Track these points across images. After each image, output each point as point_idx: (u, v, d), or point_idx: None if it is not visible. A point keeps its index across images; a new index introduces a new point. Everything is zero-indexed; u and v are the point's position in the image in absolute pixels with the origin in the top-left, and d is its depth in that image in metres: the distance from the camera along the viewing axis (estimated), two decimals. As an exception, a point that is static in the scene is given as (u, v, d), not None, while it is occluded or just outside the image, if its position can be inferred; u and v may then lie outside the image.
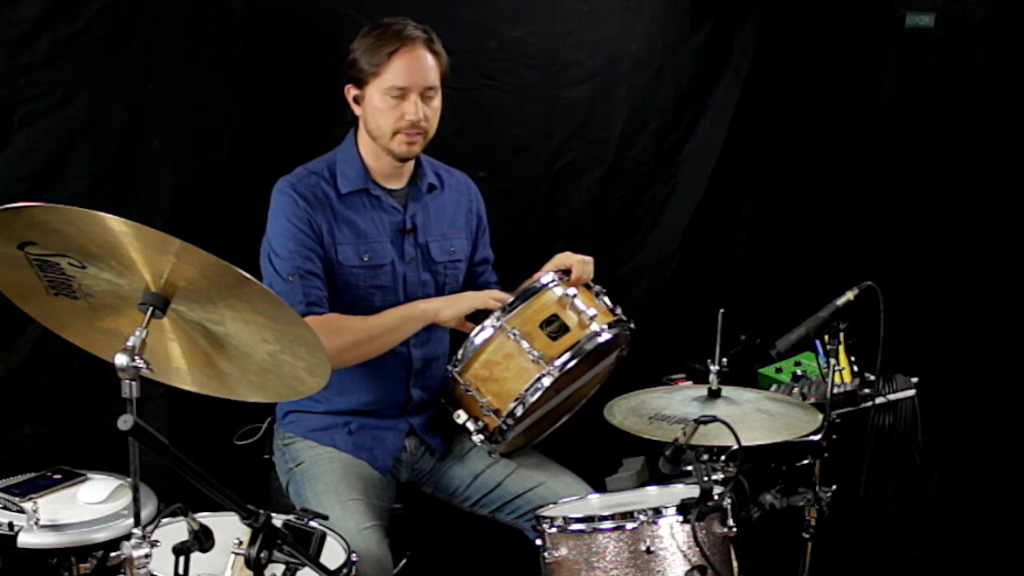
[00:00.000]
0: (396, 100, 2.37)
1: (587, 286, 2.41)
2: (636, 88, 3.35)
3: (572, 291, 2.32)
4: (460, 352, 2.29)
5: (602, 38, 3.26)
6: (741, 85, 3.50)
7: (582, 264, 2.39)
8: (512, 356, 2.25)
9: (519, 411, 2.23)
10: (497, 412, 2.26)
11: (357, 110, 2.45)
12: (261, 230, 2.46)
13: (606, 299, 2.40)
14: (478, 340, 2.27)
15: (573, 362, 2.23)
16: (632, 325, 2.40)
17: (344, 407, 2.49)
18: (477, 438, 2.32)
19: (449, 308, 2.38)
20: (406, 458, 2.56)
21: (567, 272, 2.37)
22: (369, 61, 2.37)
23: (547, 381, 2.21)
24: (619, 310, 2.39)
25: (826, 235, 3.77)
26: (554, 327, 2.26)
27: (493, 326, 2.26)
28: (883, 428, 3.03)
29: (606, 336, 2.28)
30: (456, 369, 2.29)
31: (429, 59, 2.39)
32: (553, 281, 2.33)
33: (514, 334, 2.24)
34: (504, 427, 2.26)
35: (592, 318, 2.29)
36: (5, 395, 2.48)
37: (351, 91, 2.44)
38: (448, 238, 2.58)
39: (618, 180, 3.38)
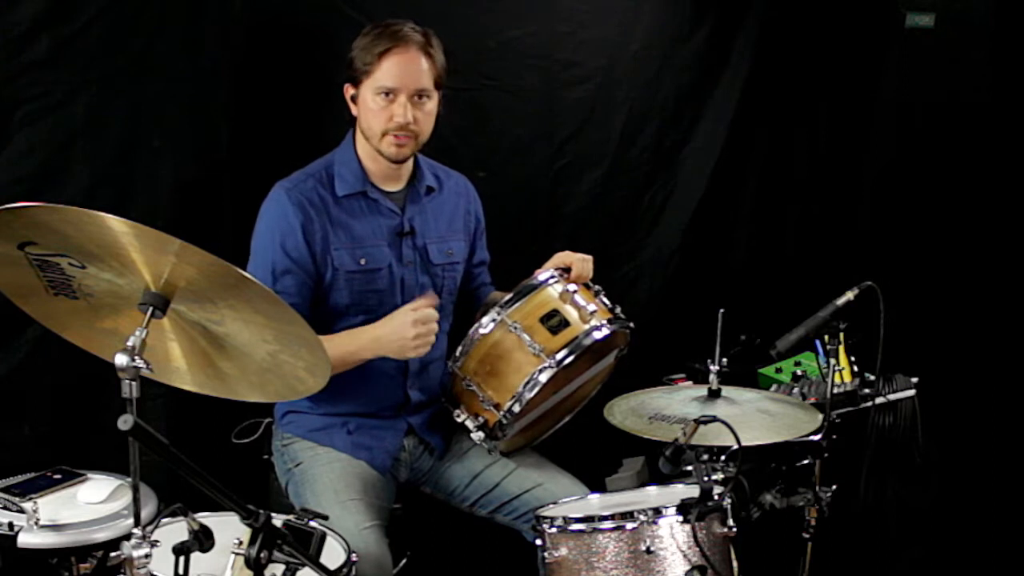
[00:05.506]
0: (386, 101, 2.36)
1: (586, 285, 2.41)
2: (636, 88, 3.35)
3: (572, 287, 2.33)
4: (460, 348, 2.30)
5: (602, 38, 3.26)
6: (741, 85, 3.50)
7: (582, 262, 2.40)
8: (513, 350, 2.26)
9: (518, 407, 2.23)
10: (497, 406, 2.26)
11: (354, 109, 2.44)
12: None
13: (604, 298, 2.40)
14: (477, 336, 2.28)
15: (572, 356, 2.23)
16: (631, 325, 2.40)
17: (342, 408, 2.49)
18: (476, 436, 2.32)
19: (396, 353, 2.33)
20: (405, 457, 2.56)
21: (567, 270, 2.38)
22: (363, 60, 2.37)
23: (547, 375, 2.21)
24: (618, 309, 2.40)
25: (826, 235, 3.77)
26: (555, 321, 2.27)
27: (493, 320, 2.26)
28: (883, 428, 3.03)
29: (606, 331, 2.28)
30: (457, 364, 2.29)
31: (422, 62, 2.37)
32: (553, 278, 2.34)
33: (515, 328, 2.25)
34: (504, 421, 2.26)
35: (592, 314, 2.29)
36: (5, 395, 2.48)
37: (349, 90, 2.43)
38: (446, 240, 2.57)
39: (618, 180, 3.39)
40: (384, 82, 2.35)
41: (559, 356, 2.22)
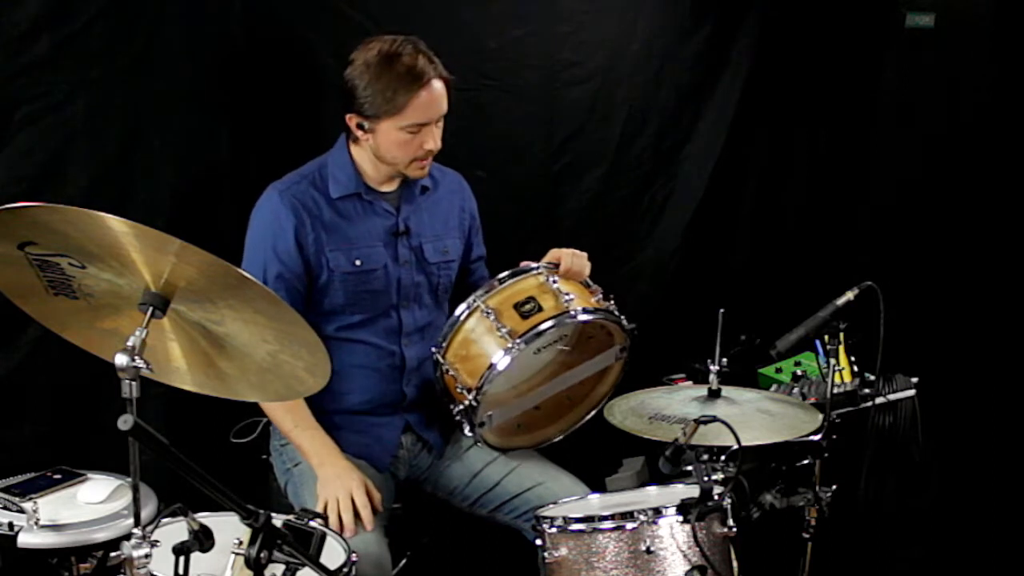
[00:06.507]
0: (413, 135, 2.35)
1: (585, 284, 2.41)
2: (636, 88, 3.35)
3: (554, 278, 2.33)
4: (441, 335, 2.33)
5: (602, 38, 3.26)
6: (741, 85, 3.50)
7: (572, 256, 2.40)
8: (484, 334, 2.27)
9: (487, 387, 2.23)
10: (469, 390, 2.27)
11: (362, 136, 2.39)
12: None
13: (600, 294, 2.39)
14: (454, 322, 2.31)
15: (540, 339, 2.24)
16: (623, 319, 2.38)
17: (339, 406, 2.49)
18: (466, 429, 2.32)
19: (321, 483, 2.34)
20: (403, 455, 2.56)
21: (558, 265, 2.39)
22: (388, 101, 2.31)
23: (510, 356, 2.21)
24: (613, 306, 2.39)
25: (826, 235, 3.77)
26: (528, 307, 2.28)
27: (469, 306, 2.29)
28: (883, 428, 3.04)
29: (581, 317, 2.28)
30: (439, 352, 2.32)
31: (442, 89, 2.36)
32: (537, 269, 2.36)
33: (487, 313, 2.26)
34: (474, 405, 2.25)
35: (569, 300, 2.29)
36: (5, 395, 2.48)
37: (354, 120, 2.38)
38: (442, 238, 2.57)
39: (618, 180, 3.39)
40: (415, 119, 2.33)
41: (523, 338, 2.22)
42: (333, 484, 2.30)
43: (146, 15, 2.52)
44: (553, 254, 2.41)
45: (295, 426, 2.39)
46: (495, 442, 2.44)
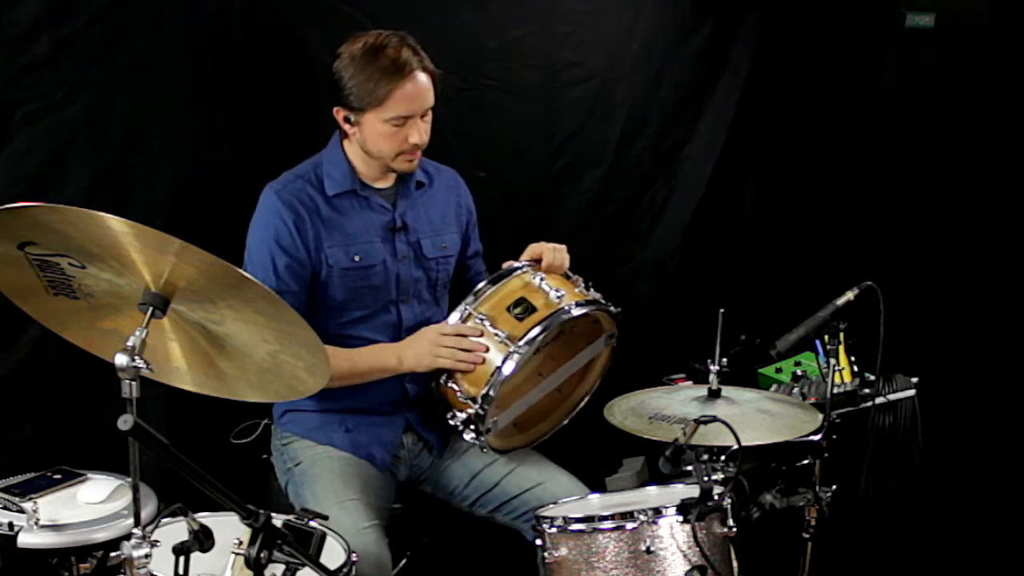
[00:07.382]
0: (398, 127, 2.36)
1: (566, 275, 2.42)
2: (636, 88, 3.35)
3: (540, 275, 2.34)
4: None
5: (602, 38, 3.26)
6: (741, 85, 3.51)
7: (553, 251, 2.41)
8: (483, 341, 2.27)
9: (493, 393, 2.23)
10: (474, 399, 2.27)
11: (350, 129, 2.41)
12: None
13: (582, 285, 2.40)
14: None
15: (539, 339, 2.24)
16: (611, 308, 2.39)
17: (340, 405, 2.49)
18: (468, 436, 2.32)
19: (415, 364, 2.37)
20: (404, 455, 2.56)
21: (539, 261, 2.39)
22: (370, 92, 2.32)
23: (514, 360, 2.21)
24: (597, 295, 2.39)
25: (826, 235, 3.77)
26: (520, 309, 2.29)
27: (461, 315, 2.29)
28: (883, 428, 3.04)
29: (575, 312, 2.28)
30: None
31: (426, 82, 2.36)
32: (521, 268, 2.36)
33: (481, 319, 2.26)
34: (481, 413, 2.26)
35: (560, 297, 2.30)
36: (5, 395, 2.48)
37: (341, 113, 2.40)
38: (440, 234, 2.58)
39: (618, 180, 3.39)
40: (398, 112, 2.33)
41: (524, 341, 2.22)
42: (419, 354, 2.34)
43: (146, 15, 2.52)
44: (533, 250, 2.43)
45: (352, 362, 2.40)
46: (497, 446, 2.45)
